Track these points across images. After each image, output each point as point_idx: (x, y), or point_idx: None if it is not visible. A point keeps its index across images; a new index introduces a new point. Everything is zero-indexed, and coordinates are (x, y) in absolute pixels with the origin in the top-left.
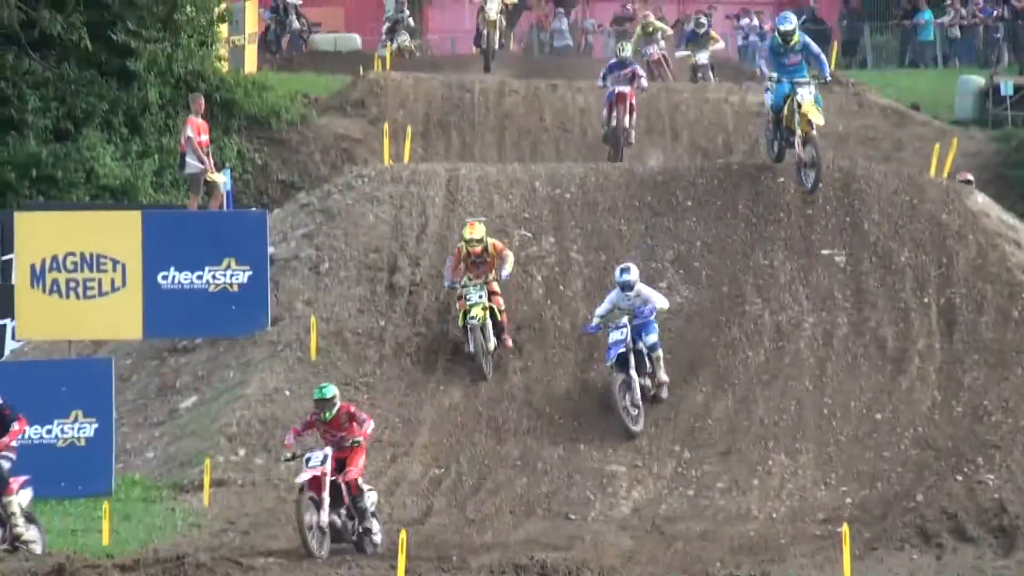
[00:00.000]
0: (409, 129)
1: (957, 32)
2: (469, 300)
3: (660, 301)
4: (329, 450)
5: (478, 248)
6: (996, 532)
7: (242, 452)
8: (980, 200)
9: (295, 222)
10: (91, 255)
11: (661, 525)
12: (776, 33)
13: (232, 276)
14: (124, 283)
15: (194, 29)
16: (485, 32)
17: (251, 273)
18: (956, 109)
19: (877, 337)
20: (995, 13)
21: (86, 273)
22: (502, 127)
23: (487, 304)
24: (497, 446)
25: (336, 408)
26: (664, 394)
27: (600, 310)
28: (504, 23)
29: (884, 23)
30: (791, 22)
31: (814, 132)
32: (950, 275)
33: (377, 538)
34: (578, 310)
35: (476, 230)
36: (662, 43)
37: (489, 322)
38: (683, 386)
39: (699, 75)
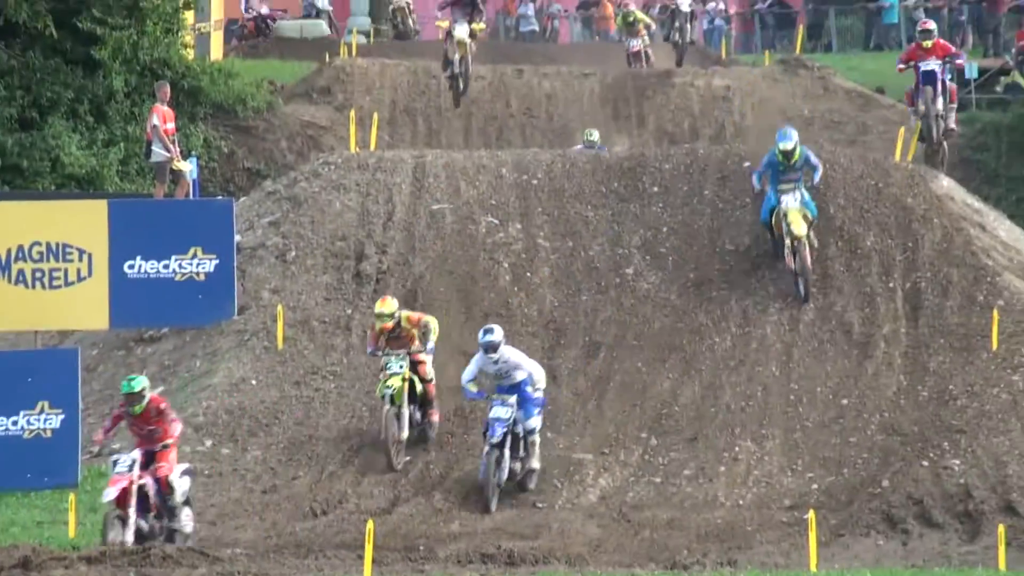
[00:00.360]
0: (375, 116)
1: (922, 15)
2: (389, 369)
3: (536, 371)
4: (137, 453)
5: (389, 324)
6: (962, 517)
7: (208, 443)
8: (945, 184)
9: (261, 210)
10: (57, 245)
11: (628, 513)
12: (776, 151)
13: (199, 265)
14: (90, 273)
15: (160, 16)
16: (456, 58)
17: (217, 262)
18: None
19: (843, 322)
20: None
21: (52, 263)
22: (468, 113)
23: (407, 375)
24: (464, 434)
25: (146, 401)
26: (531, 484)
27: (467, 374)
28: (474, 48)
29: (849, 6)
30: (792, 140)
31: (803, 240)
32: (915, 259)
33: (188, 529)
34: (545, 296)
35: (387, 305)
36: (646, 37)
37: (406, 409)
38: (650, 373)
39: (676, 25)
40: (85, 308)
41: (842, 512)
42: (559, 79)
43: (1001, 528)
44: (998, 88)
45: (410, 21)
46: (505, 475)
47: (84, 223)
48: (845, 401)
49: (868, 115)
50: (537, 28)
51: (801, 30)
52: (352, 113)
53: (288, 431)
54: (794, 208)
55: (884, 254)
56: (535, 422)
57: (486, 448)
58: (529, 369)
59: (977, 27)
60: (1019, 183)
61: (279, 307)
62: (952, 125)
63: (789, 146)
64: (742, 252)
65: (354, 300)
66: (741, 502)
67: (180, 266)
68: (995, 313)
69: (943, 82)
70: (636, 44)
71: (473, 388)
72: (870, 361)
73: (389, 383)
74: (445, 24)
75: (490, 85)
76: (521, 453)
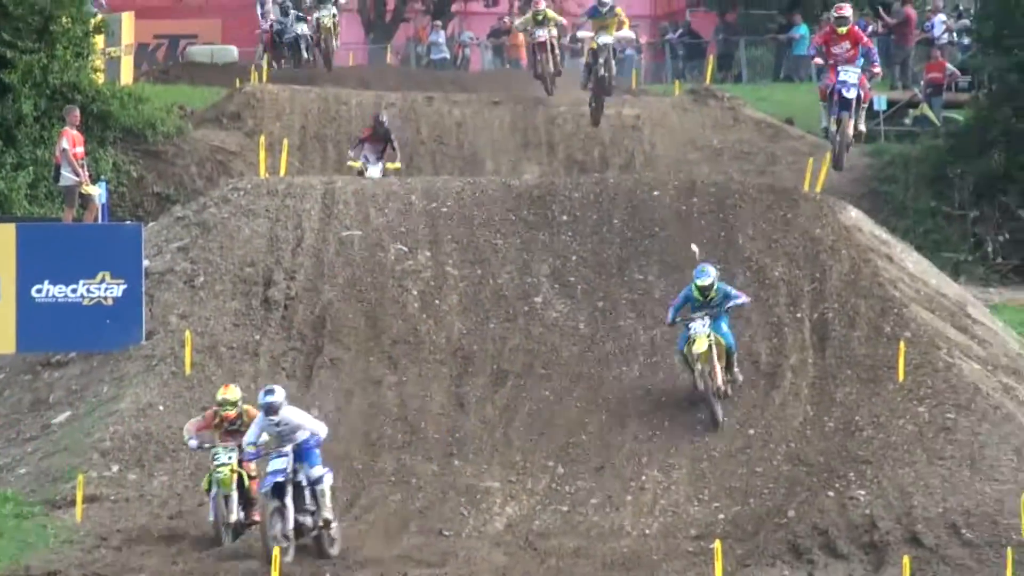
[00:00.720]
0: (285, 142)
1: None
2: (217, 460)
3: (319, 429)
4: None
5: (232, 413)
6: (867, 548)
7: (115, 468)
8: (853, 215)
9: (170, 235)
10: None
11: (534, 541)
12: (694, 286)
13: (107, 289)
14: None
15: (70, 40)
16: None
17: (126, 286)
18: None
19: (751, 352)
20: (869, 28)
21: None
22: None
23: (235, 468)
24: (371, 461)
25: None
26: (332, 549)
27: (249, 436)
28: None
29: (759, 37)
30: (710, 276)
31: (707, 359)
32: (823, 290)
33: None
34: (453, 324)
35: (231, 392)
36: (554, 31)
37: (235, 493)
38: (557, 401)
39: (600, 60)
40: None
41: (748, 542)
42: (469, 107)
43: (906, 559)
44: (907, 120)
45: (333, 41)
46: (291, 526)
47: None
48: (752, 431)
49: (777, 145)
50: (448, 56)
51: (711, 60)
52: (262, 139)
53: (195, 457)
54: (701, 333)
55: (792, 284)
56: (319, 470)
57: (265, 497)
58: (311, 428)
59: (886, 59)
60: (926, 215)
61: (187, 333)
62: (861, 127)
63: (707, 282)
64: (650, 281)
65: (262, 326)
66: (647, 531)
67: (88, 290)
68: (902, 344)
69: (858, 96)
70: (542, 34)
71: (251, 449)
72: (777, 391)
73: (219, 471)
74: (357, 165)
75: (401, 112)
76: (309, 504)
